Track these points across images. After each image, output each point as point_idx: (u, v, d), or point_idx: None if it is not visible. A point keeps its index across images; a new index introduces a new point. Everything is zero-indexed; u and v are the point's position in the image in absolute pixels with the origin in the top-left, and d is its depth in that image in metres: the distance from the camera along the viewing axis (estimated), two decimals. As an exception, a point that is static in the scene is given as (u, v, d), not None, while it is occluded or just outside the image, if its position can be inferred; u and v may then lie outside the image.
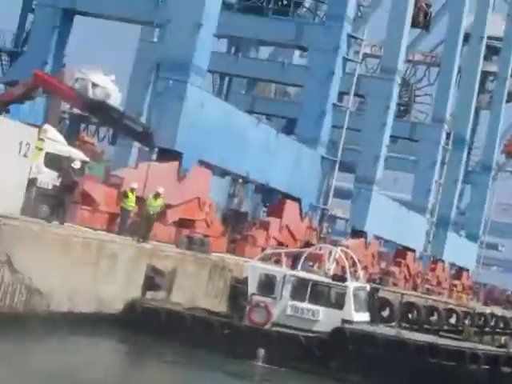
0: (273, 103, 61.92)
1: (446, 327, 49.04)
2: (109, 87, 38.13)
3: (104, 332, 24.19)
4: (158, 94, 33.97)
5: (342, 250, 27.28)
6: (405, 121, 64.12)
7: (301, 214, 42.12)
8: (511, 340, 42.06)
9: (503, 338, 25.37)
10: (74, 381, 19.49)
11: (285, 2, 46.77)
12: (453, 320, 52.71)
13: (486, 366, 23.58)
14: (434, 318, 49.63)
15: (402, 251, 57.24)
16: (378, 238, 52.77)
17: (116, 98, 38.16)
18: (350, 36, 44.37)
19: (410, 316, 45.97)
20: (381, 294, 42.71)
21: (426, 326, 47.01)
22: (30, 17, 47.89)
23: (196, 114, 32.79)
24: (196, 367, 24.15)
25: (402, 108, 63.45)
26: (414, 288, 56.12)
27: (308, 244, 36.65)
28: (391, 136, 56.49)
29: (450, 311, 52.97)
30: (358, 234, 49.65)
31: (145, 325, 25.09)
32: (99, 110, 31.56)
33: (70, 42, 45.44)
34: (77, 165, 25.74)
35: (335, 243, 33.79)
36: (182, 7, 32.68)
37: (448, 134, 61.29)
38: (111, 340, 24.73)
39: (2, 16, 54.55)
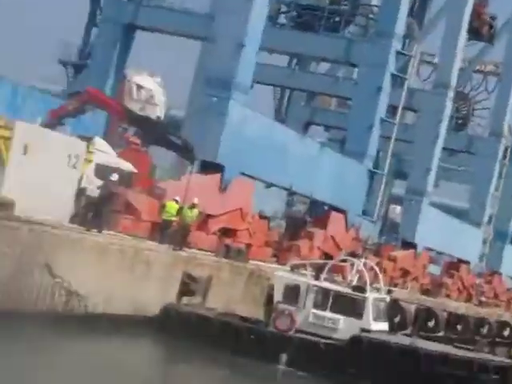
0: (331, 114, 63.34)
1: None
2: (153, 89, 39.34)
3: (139, 333, 26.02)
4: (199, 109, 35.72)
5: (364, 263, 28.57)
6: (462, 134, 64.45)
7: (346, 225, 43.43)
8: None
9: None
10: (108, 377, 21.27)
11: (336, 19, 48.14)
12: (506, 333, 53.13)
13: (496, 376, 24.60)
14: (484, 330, 50.17)
15: (455, 263, 57.87)
16: (429, 249, 53.59)
17: (160, 101, 39.46)
18: (399, 53, 45.61)
19: (456, 328, 46.55)
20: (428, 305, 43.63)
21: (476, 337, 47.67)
22: (95, 30, 50.19)
23: (238, 129, 34.51)
24: (222, 369, 25.70)
25: (459, 121, 63.90)
26: (468, 300, 56.64)
27: (353, 254, 37.90)
28: (449, 149, 57.25)
29: (503, 324, 53.37)
30: (408, 245, 50.64)
31: (177, 327, 26.73)
32: (144, 125, 33.48)
33: (134, 56, 47.72)
34: (114, 177, 27.54)
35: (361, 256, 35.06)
36: (226, 25, 34.45)
37: (506, 148, 61.62)
38: (144, 341, 26.55)
39: (69, 29, 57.25)
